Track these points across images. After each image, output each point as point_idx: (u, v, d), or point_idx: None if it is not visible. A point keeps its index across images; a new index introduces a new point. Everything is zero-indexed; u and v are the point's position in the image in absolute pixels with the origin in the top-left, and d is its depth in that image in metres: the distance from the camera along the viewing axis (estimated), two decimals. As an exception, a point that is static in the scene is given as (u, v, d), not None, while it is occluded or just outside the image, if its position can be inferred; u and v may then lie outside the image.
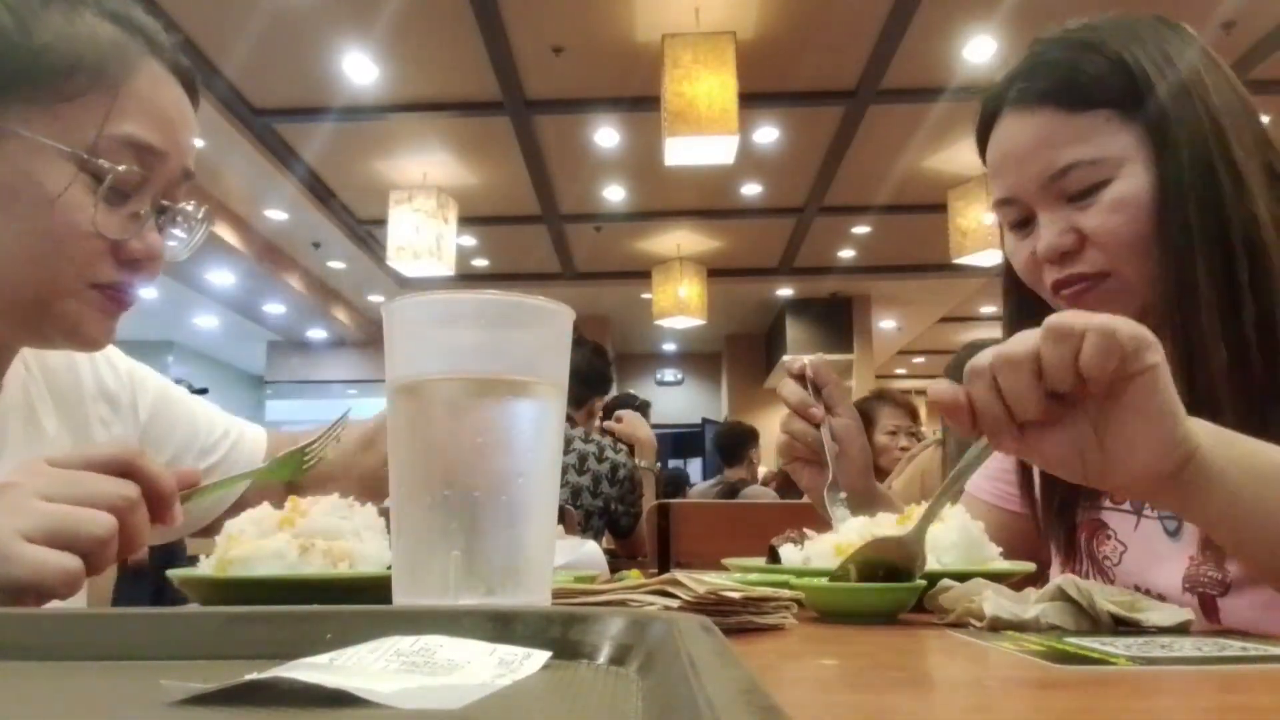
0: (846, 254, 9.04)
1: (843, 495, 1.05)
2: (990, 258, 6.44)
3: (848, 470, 1.07)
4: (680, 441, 11.12)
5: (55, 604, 0.59)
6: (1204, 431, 0.63)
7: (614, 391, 3.70)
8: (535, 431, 0.53)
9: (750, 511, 2.81)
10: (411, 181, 6.82)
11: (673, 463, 10.39)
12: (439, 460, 0.52)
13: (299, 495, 0.74)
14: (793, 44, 5.16)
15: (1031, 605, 0.61)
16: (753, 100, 5.29)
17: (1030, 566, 0.84)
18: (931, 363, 13.40)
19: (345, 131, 6.14)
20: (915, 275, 9.40)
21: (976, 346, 2.72)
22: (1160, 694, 0.43)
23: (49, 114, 0.74)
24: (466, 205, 7.08)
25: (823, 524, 1.02)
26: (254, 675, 0.28)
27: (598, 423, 3.17)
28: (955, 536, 0.81)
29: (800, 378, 1.10)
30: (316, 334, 11.16)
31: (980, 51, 5.15)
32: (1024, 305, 0.96)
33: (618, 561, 2.70)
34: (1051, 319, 0.60)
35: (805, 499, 1.16)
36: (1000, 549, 0.85)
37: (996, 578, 0.70)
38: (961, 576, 0.69)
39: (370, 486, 0.90)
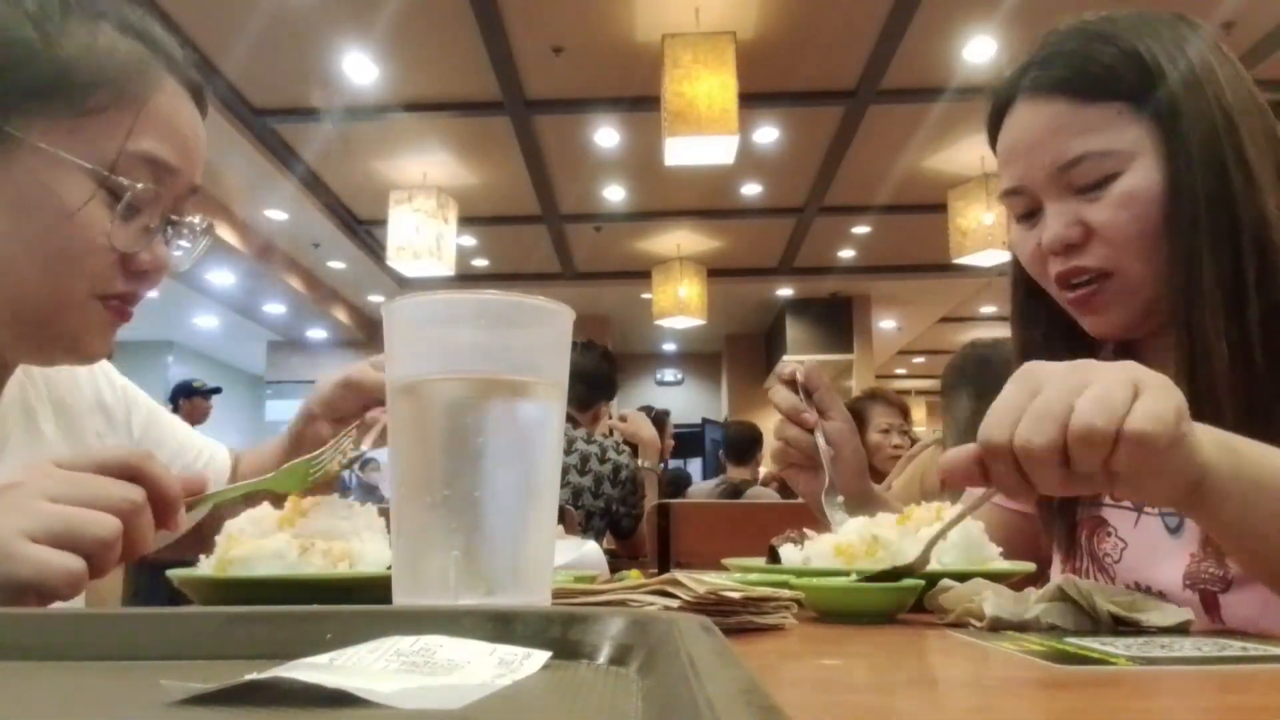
0: (846, 254, 9.04)
1: (840, 499, 1.06)
2: (990, 258, 6.44)
3: (843, 473, 1.08)
4: (680, 441, 11.10)
5: (56, 604, 0.59)
6: (1210, 443, 0.62)
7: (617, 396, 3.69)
8: (535, 431, 0.53)
9: (750, 511, 2.81)
10: (411, 181, 6.82)
11: (673, 463, 10.38)
12: (439, 460, 0.52)
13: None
14: (793, 44, 5.16)
15: (1031, 605, 0.61)
16: (753, 100, 5.29)
17: (1030, 566, 0.84)
18: (931, 363, 13.40)
19: (345, 131, 6.15)
20: (915, 275, 9.40)
21: (978, 346, 2.72)
22: (1160, 694, 0.43)
23: (69, 128, 0.75)
24: (466, 205, 7.08)
25: (822, 526, 1.02)
26: (254, 675, 0.28)
27: (604, 425, 3.17)
28: (955, 536, 0.81)
29: (791, 383, 1.10)
30: (316, 334, 11.16)
31: (980, 51, 5.15)
32: (1032, 299, 0.96)
33: (618, 561, 2.70)
34: (1079, 424, 0.56)
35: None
36: (1000, 549, 0.85)
37: (996, 578, 0.70)
38: (961, 576, 0.69)
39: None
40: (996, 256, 6.36)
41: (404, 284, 8.53)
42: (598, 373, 3.07)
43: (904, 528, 0.83)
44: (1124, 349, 0.93)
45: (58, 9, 0.75)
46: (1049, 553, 1.01)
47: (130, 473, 0.63)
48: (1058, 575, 0.65)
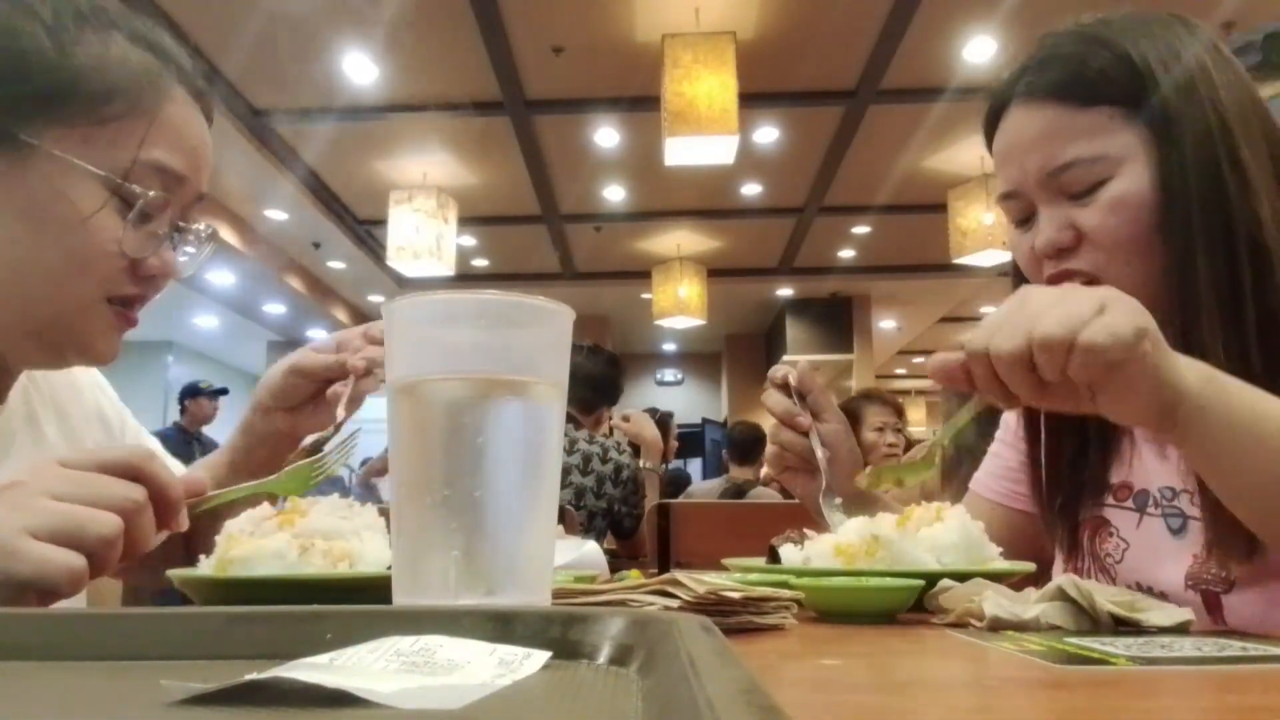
0: (846, 254, 9.04)
1: (837, 501, 1.05)
2: (990, 258, 6.44)
3: (839, 474, 1.08)
4: (680, 441, 11.09)
5: (57, 604, 0.59)
6: (1196, 375, 0.67)
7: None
8: (535, 431, 0.53)
9: (750, 511, 2.81)
10: (411, 181, 6.82)
11: (672, 463, 10.37)
12: (439, 460, 0.52)
13: None
14: (793, 44, 5.16)
15: (1031, 605, 0.61)
16: (753, 100, 5.29)
17: (1030, 566, 0.84)
18: (932, 363, 13.37)
19: (345, 131, 6.14)
20: (915, 275, 9.40)
21: None
22: (1160, 694, 0.43)
23: (82, 136, 0.76)
24: (466, 205, 7.07)
25: (821, 526, 1.02)
26: (254, 675, 0.28)
27: (605, 425, 3.17)
28: (955, 537, 0.81)
29: (784, 387, 1.10)
30: (316, 334, 11.15)
31: (980, 51, 5.15)
32: None
33: (618, 561, 2.70)
34: (1039, 328, 0.64)
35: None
36: (1001, 549, 0.85)
37: (996, 578, 0.70)
38: (961, 576, 0.69)
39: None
40: (996, 256, 6.36)
41: (404, 284, 8.52)
42: (603, 378, 3.07)
43: (904, 528, 0.83)
44: None
45: (71, 20, 0.77)
46: (1050, 553, 1.01)
47: (132, 472, 0.63)
48: (1060, 576, 0.65)
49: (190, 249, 0.89)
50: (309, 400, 0.97)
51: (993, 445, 1.14)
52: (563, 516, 2.30)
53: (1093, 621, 0.61)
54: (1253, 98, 0.85)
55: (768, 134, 6.30)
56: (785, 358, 10.11)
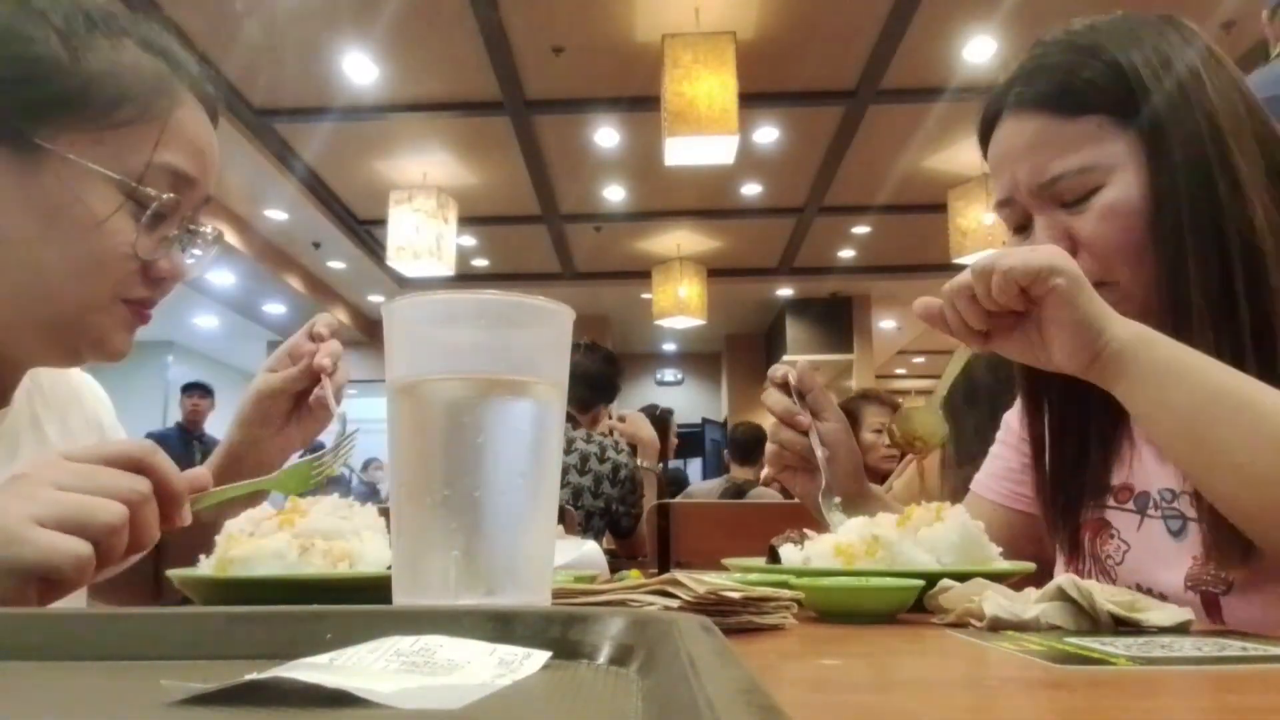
0: (846, 254, 9.04)
1: (837, 500, 1.05)
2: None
3: (839, 474, 1.08)
4: (681, 441, 11.09)
5: (57, 603, 0.59)
6: (1127, 329, 0.76)
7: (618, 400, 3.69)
8: (535, 431, 0.53)
9: (750, 511, 2.81)
10: (411, 181, 6.82)
11: (671, 463, 10.37)
12: (439, 460, 0.52)
13: None
14: (793, 44, 5.16)
15: (1031, 605, 0.61)
16: (753, 100, 5.29)
17: (1030, 566, 0.84)
18: (932, 363, 13.40)
19: (345, 131, 6.14)
20: (915, 275, 9.39)
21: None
22: (1160, 694, 0.43)
23: (94, 140, 0.77)
24: (466, 205, 7.07)
25: (821, 526, 1.02)
26: (254, 675, 0.28)
27: (604, 425, 3.17)
28: (955, 537, 0.81)
29: (784, 386, 1.10)
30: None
31: (980, 51, 5.15)
32: None
33: (618, 561, 2.70)
34: (976, 260, 0.79)
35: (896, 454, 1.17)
36: (1001, 549, 0.85)
37: (996, 578, 0.70)
38: (961, 576, 0.69)
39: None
40: (996, 256, 6.35)
41: (404, 284, 8.52)
42: (600, 375, 3.06)
43: (904, 528, 0.83)
44: None
45: (83, 26, 0.78)
46: (1050, 553, 1.01)
47: (136, 465, 0.64)
48: (1058, 577, 0.65)
49: (197, 251, 0.90)
50: (287, 417, 0.98)
51: (994, 447, 1.14)
52: (562, 516, 2.30)
53: (1093, 621, 0.61)
54: (1246, 100, 0.85)
55: (768, 134, 6.30)
56: (785, 358, 10.11)
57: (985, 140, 0.95)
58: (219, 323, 10.53)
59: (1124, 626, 0.61)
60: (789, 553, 0.88)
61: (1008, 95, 0.90)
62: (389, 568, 0.54)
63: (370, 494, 7.62)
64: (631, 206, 7.73)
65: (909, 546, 0.80)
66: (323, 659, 0.32)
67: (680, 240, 8.58)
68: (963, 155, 6.48)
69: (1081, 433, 0.95)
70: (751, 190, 7.39)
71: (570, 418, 2.89)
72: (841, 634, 0.63)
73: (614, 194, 7.47)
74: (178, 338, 10.99)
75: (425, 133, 6.28)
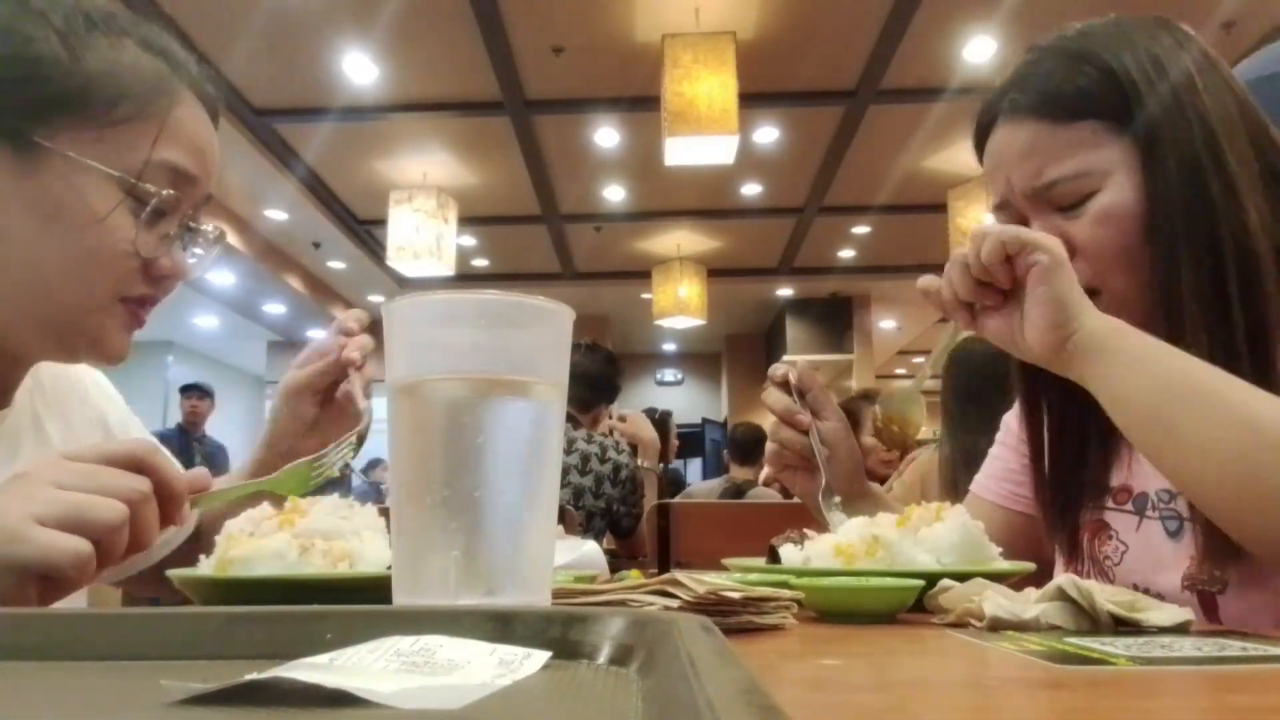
0: (846, 254, 9.03)
1: (837, 499, 1.05)
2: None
3: (839, 473, 1.08)
4: (681, 441, 11.09)
5: (59, 603, 0.59)
6: (1102, 321, 0.78)
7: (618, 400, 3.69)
8: (535, 431, 0.53)
9: (750, 511, 2.81)
10: (411, 181, 6.82)
11: (673, 464, 10.37)
12: (439, 460, 0.52)
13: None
14: (793, 44, 5.16)
15: (1031, 605, 0.61)
16: (753, 100, 5.29)
17: (1030, 566, 0.84)
18: (932, 363, 13.37)
19: (345, 131, 6.14)
20: (915, 275, 9.28)
21: (973, 340, 2.72)
22: (1160, 694, 0.43)
23: (94, 138, 0.78)
24: (466, 205, 7.07)
25: (822, 526, 1.02)
26: (254, 675, 0.28)
27: (604, 425, 3.17)
28: (955, 537, 0.81)
29: (784, 385, 1.10)
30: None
31: (980, 51, 5.15)
32: None
33: (618, 561, 2.70)
34: (974, 228, 0.82)
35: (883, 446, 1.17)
36: (1001, 549, 0.85)
37: (996, 578, 0.70)
38: (961, 576, 0.69)
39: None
40: (997, 257, 6.35)
41: (404, 284, 8.52)
42: (600, 376, 3.06)
43: (904, 528, 0.83)
44: None
45: (82, 26, 0.78)
46: (1050, 554, 1.01)
47: (137, 465, 0.64)
48: (1058, 577, 0.65)
49: (199, 250, 0.90)
50: (320, 414, 0.99)
51: (993, 448, 1.14)
52: (562, 516, 2.30)
53: (1093, 621, 0.61)
54: (1240, 102, 0.85)
55: (768, 134, 6.30)
56: (785, 357, 10.11)
57: (980, 146, 0.95)
58: (219, 323, 10.53)
59: (1124, 626, 0.61)
60: (789, 553, 0.89)
61: (1002, 102, 0.90)
62: (389, 568, 0.54)
63: (374, 494, 7.62)
64: (631, 206, 7.73)
65: (909, 546, 0.80)
66: (323, 659, 0.32)
67: (680, 240, 8.57)
68: (963, 155, 6.48)
69: (1080, 433, 0.95)
70: (751, 190, 7.39)
71: (571, 418, 2.89)
72: (841, 634, 0.63)
73: (614, 194, 7.47)
74: (178, 338, 10.99)
75: (425, 133, 6.28)
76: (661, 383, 12.95)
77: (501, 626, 0.38)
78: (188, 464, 1.04)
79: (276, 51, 5.11)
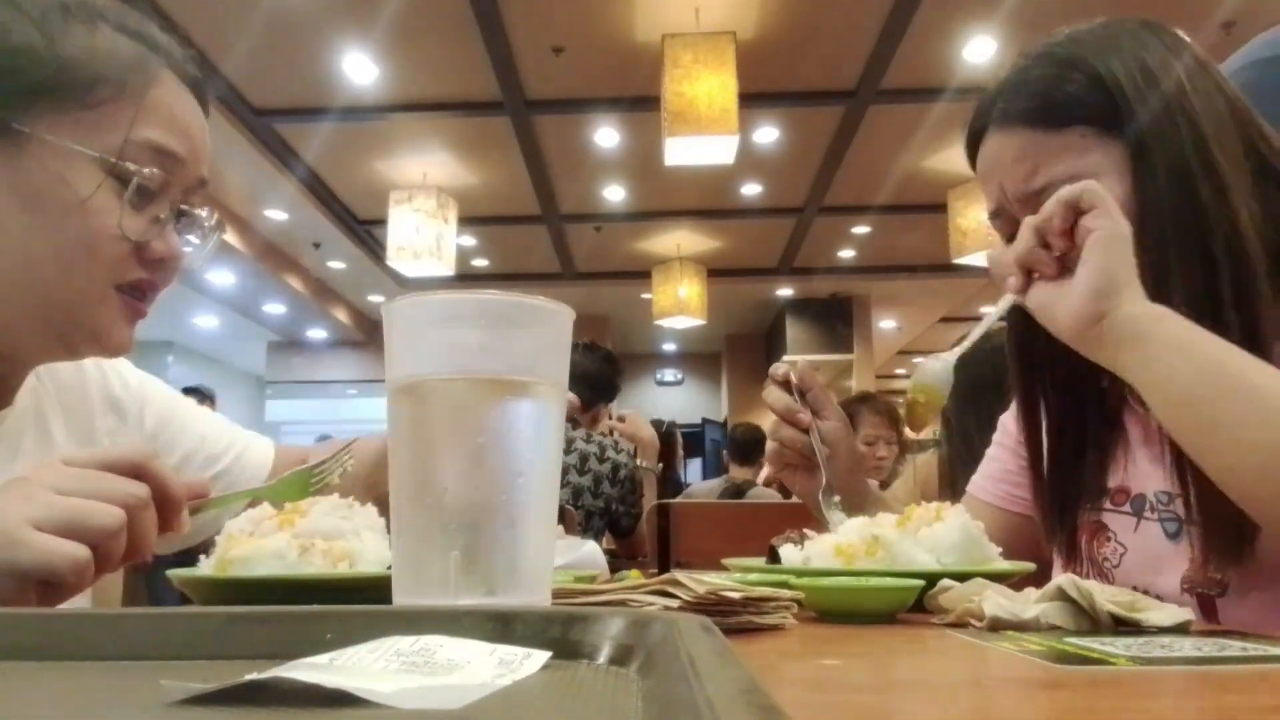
0: (846, 254, 9.03)
1: (837, 499, 1.05)
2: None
3: (838, 471, 1.08)
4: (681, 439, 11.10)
5: (63, 604, 0.59)
6: (1145, 306, 0.75)
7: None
8: (535, 431, 0.53)
9: (750, 511, 2.81)
10: (411, 181, 6.82)
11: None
12: (439, 460, 0.52)
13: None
14: (793, 44, 5.16)
15: (1031, 605, 0.61)
16: (753, 100, 5.29)
17: (1030, 566, 0.84)
18: (931, 363, 13.36)
19: (345, 131, 6.14)
20: (915, 275, 9.39)
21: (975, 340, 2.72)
22: (1160, 694, 0.43)
23: (74, 121, 0.77)
24: (466, 205, 7.07)
25: (822, 526, 1.02)
26: (254, 675, 0.28)
27: (604, 425, 3.17)
28: (955, 537, 0.81)
29: (785, 384, 1.10)
30: (316, 334, 11.16)
31: (980, 51, 5.15)
32: (1023, 310, 0.96)
33: (618, 561, 2.70)
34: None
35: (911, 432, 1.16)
36: (1000, 549, 0.85)
37: (996, 578, 0.70)
38: (961, 576, 0.69)
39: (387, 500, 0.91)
40: (997, 257, 6.35)
41: (404, 284, 8.52)
42: (600, 375, 3.06)
43: (904, 528, 0.83)
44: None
45: (58, 13, 0.78)
46: (1048, 555, 1.01)
47: (135, 471, 0.64)
48: (1058, 577, 0.65)
49: (195, 239, 0.89)
50: None
51: (990, 449, 1.14)
52: (562, 516, 2.30)
53: (1093, 621, 0.61)
54: (1232, 105, 0.85)
55: (768, 134, 6.30)
56: (785, 357, 10.09)
57: (972, 153, 0.96)
58: (219, 323, 10.53)
59: (1124, 626, 0.61)
60: (789, 553, 0.89)
61: (992, 110, 0.91)
62: (389, 568, 0.54)
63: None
64: (631, 206, 7.73)
65: (909, 546, 0.80)
66: (323, 659, 0.32)
67: (680, 240, 8.58)
68: (962, 155, 6.43)
69: (1077, 434, 0.95)
70: (751, 190, 7.39)
71: (570, 418, 2.89)
72: (841, 634, 0.63)
73: (614, 194, 7.47)
74: (178, 338, 10.99)
75: (425, 133, 6.28)
76: (661, 383, 12.96)
77: (501, 626, 0.38)
78: None
79: (276, 51, 5.11)
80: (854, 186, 7.13)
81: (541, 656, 0.34)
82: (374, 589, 0.63)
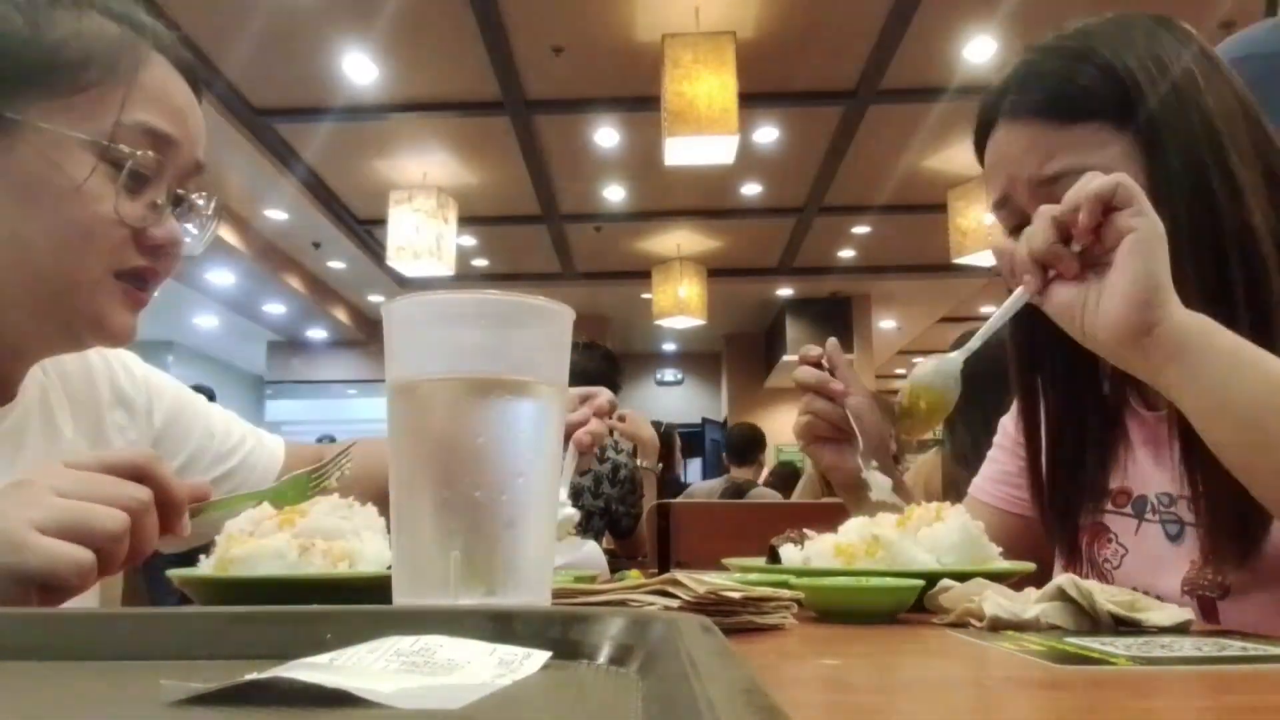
0: (846, 254, 9.04)
1: (875, 462, 1.06)
2: (990, 258, 6.41)
3: (867, 444, 1.08)
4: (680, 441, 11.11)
5: (68, 603, 0.59)
6: (1188, 314, 0.71)
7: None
8: (535, 431, 0.53)
9: (750, 511, 2.81)
10: (411, 181, 6.82)
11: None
12: (439, 460, 0.52)
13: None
14: (793, 44, 5.16)
15: (1031, 605, 0.61)
16: (753, 100, 5.29)
17: (1030, 566, 0.84)
18: (931, 363, 13.37)
19: (345, 131, 6.14)
20: (915, 275, 9.40)
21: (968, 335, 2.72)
22: (1160, 694, 0.43)
23: (65, 106, 0.77)
24: (466, 205, 7.07)
25: (822, 524, 1.02)
26: (254, 675, 0.28)
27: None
28: (955, 537, 0.81)
29: (815, 364, 1.11)
30: (316, 334, 11.16)
31: (980, 51, 5.15)
32: (1028, 303, 0.96)
33: (618, 561, 2.70)
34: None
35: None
36: (1000, 549, 0.85)
37: (996, 578, 0.70)
38: (961, 576, 0.69)
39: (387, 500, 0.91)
40: (996, 257, 6.35)
41: (404, 284, 8.52)
42: (599, 374, 3.06)
43: (904, 528, 0.83)
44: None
45: (44, 0, 0.78)
46: (1048, 557, 1.01)
47: (137, 474, 0.64)
48: (1058, 577, 0.65)
49: (193, 228, 0.88)
50: None
51: (991, 450, 1.14)
52: (563, 516, 2.29)
53: (1093, 621, 0.61)
54: (1242, 102, 0.85)
55: (768, 134, 6.30)
56: (785, 358, 10.11)
57: (980, 146, 0.94)
58: (219, 323, 10.53)
59: (1124, 626, 0.61)
60: (789, 553, 0.89)
61: (1002, 102, 0.90)
62: (389, 568, 0.54)
63: None
64: (631, 206, 7.73)
65: (909, 546, 0.80)
66: (323, 659, 0.32)
67: (680, 240, 8.58)
68: (963, 155, 6.48)
69: (1078, 435, 0.95)
70: (751, 190, 7.39)
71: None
72: (841, 634, 0.63)
73: (614, 194, 7.47)
74: (178, 338, 10.99)
75: (425, 133, 6.28)
76: (661, 383, 12.96)
77: (501, 626, 0.38)
78: None
79: (276, 51, 5.11)
80: (854, 186, 7.13)
81: (541, 656, 0.34)
82: (374, 589, 0.63)
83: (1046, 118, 0.86)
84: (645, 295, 9.09)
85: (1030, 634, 0.59)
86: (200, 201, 0.88)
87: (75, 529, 0.58)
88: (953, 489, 2.00)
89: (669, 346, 12.72)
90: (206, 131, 0.88)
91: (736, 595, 0.59)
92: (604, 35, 5.08)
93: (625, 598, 0.59)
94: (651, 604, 0.58)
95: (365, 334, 10.86)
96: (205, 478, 0.95)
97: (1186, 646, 0.53)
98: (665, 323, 8.71)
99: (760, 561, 0.94)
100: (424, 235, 6.56)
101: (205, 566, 0.70)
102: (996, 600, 0.62)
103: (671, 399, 12.62)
